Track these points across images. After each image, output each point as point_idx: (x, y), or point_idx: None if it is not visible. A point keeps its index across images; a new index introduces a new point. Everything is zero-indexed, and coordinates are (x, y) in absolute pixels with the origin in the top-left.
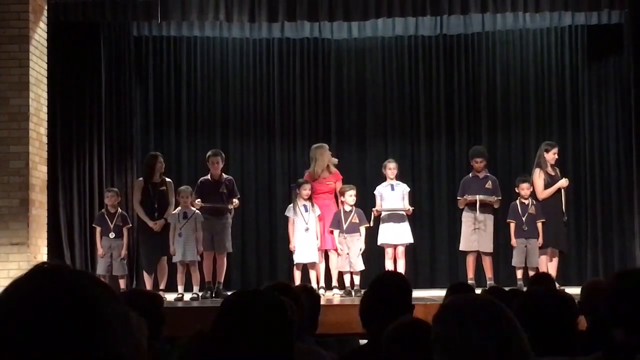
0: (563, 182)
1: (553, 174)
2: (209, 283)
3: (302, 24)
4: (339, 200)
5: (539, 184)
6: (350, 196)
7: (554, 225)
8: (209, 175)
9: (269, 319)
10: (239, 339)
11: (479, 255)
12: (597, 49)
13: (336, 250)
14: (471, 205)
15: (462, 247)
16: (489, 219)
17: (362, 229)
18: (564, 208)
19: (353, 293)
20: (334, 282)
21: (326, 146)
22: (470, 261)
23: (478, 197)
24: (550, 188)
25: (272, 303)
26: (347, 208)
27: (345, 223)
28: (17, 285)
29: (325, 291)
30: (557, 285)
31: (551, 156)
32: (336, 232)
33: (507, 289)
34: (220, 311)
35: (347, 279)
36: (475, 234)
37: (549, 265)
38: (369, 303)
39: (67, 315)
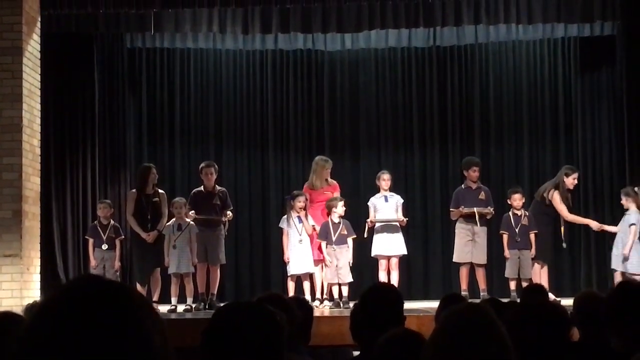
0: (593, 225)
1: (567, 198)
2: (202, 295)
3: (296, 36)
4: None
5: (562, 208)
6: (342, 207)
7: (540, 237)
8: (202, 187)
9: (260, 330)
10: (231, 351)
11: (472, 266)
12: (589, 60)
13: (324, 261)
14: (467, 218)
15: (455, 259)
16: (482, 231)
17: (350, 241)
18: (563, 236)
19: (342, 305)
20: (325, 294)
21: (330, 162)
22: (464, 273)
23: (476, 210)
24: (580, 218)
25: (264, 315)
26: (336, 220)
27: (334, 235)
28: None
29: (320, 303)
30: (552, 296)
31: (570, 181)
32: (324, 243)
33: (505, 300)
34: (212, 322)
35: (335, 290)
36: (469, 245)
37: (541, 276)
38: (360, 315)
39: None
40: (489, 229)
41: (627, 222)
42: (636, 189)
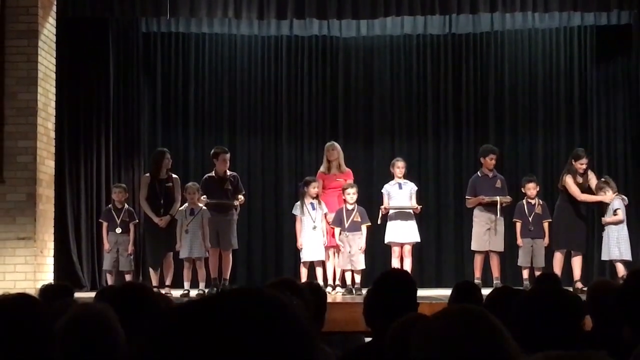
0: (607, 198)
1: (581, 181)
2: (214, 280)
3: (311, 22)
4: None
5: (574, 190)
6: (349, 194)
7: (572, 227)
8: (213, 172)
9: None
10: None
11: (487, 254)
12: (605, 49)
13: (337, 247)
14: (487, 206)
15: (474, 247)
16: (501, 219)
17: (364, 228)
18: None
19: (354, 291)
20: (337, 281)
21: (334, 144)
22: (479, 261)
23: (499, 199)
24: (592, 197)
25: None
26: (349, 206)
27: (347, 221)
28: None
29: (332, 289)
30: (580, 285)
31: (579, 165)
32: (337, 229)
33: (519, 289)
34: None
35: (347, 277)
36: (487, 234)
37: (574, 265)
38: (373, 301)
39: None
40: (505, 217)
41: (612, 208)
42: (603, 178)
